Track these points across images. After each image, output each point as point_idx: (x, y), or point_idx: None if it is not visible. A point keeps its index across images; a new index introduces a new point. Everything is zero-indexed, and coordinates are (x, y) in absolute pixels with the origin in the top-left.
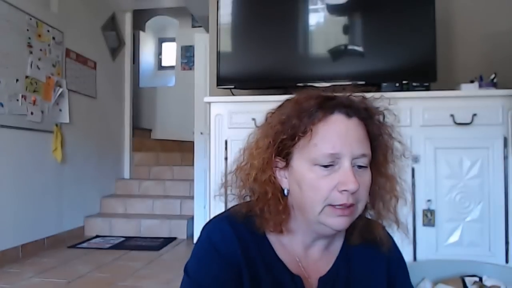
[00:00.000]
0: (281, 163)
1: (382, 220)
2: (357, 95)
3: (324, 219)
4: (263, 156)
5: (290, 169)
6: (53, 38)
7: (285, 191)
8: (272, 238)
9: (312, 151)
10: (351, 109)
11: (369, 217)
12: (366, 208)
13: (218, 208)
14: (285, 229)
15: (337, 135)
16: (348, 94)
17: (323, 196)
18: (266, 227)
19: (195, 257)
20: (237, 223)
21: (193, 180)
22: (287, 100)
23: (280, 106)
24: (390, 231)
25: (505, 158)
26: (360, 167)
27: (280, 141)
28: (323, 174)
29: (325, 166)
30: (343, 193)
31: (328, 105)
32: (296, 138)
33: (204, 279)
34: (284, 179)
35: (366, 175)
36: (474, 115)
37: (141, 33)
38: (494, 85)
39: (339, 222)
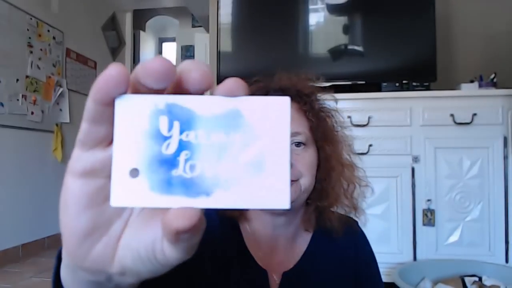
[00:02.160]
0: None
1: (339, 206)
2: (292, 78)
3: None
4: None
5: None
6: (54, 38)
7: None
8: (245, 231)
9: None
10: (282, 92)
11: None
12: (321, 194)
13: None
14: (244, 217)
15: None
16: (283, 77)
17: None
18: (230, 213)
19: None
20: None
21: None
22: None
23: None
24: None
25: (505, 158)
26: (298, 145)
27: None
28: None
29: None
30: None
31: (261, 91)
32: None
33: None
34: None
35: (305, 153)
36: (474, 115)
37: (142, 33)
38: (494, 85)
39: None
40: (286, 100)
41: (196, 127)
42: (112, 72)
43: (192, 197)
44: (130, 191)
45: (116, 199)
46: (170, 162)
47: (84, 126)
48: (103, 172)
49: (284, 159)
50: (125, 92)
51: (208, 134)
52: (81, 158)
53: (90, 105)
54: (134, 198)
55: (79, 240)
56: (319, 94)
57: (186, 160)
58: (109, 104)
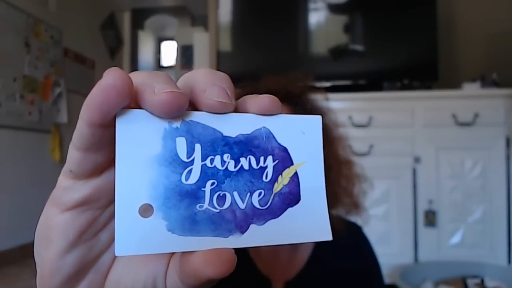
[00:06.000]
0: None
1: (339, 205)
2: (280, 80)
3: None
4: None
5: None
6: (51, 37)
7: None
8: None
9: None
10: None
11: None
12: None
13: None
14: None
15: None
16: (270, 80)
17: None
18: None
19: None
20: None
21: None
22: None
23: None
24: (353, 218)
25: (507, 158)
26: None
27: None
28: None
29: None
30: None
31: (249, 94)
32: None
33: None
34: None
35: None
36: (476, 115)
37: (140, 32)
38: (496, 84)
39: None
40: (317, 119)
41: (222, 150)
42: (110, 81)
43: (223, 236)
44: (142, 235)
45: (123, 248)
46: (193, 194)
47: (75, 155)
48: (98, 203)
49: (320, 185)
50: (128, 106)
51: (237, 159)
52: (71, 189)
53: (84, 129)
54: (148, 244)
55: (62, 281)
56: (310, 94)
57: (213, 191)
58: (110, 125)
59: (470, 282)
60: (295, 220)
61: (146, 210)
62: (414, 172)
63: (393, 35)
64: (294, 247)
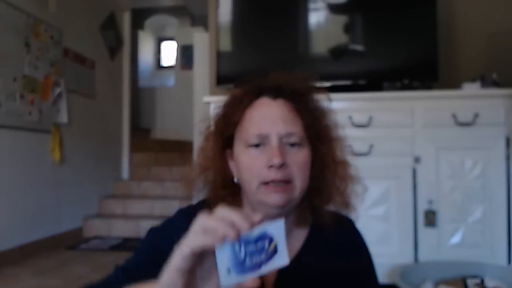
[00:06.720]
0: (231, 153)
1: (331, 203)
2: (287, 77)
3: (261, 197)
4: (210, 148)
5: (235, 157)
6: (51, 37)
7: (235, 179)
8: None
9: (244, 134)
10: (276, 92)
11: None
12: (315, 192)
13: None
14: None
15: (262, 116)
16: (277, 76)
17: (255, 174)
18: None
19: (151, 230)
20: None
21: None
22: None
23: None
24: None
25: (507, 158)
26: (292, 145)
27: (220, 132)
28: (255, 154)
29: (256, 146)
30: (271, 169)
31: (255, 91)
32: (231, 126)
33: (146, 247)
34: (234, 167)
35: (300, 153)
36: (476, 115)
37: (140, 32)
38: (496, 84)
39: (274, 197)
40: (281, 224)
41: (250, 242)
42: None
43: (254, 271)
44: (233, 280)
45: (225, 285)
46: (243, 261)
47: (188, 253)
48: (198, 268)
49: (283, 247)
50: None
51: (256, 244)
52: (186, 260)
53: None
54: (232, 281)
55: None
56: (314, 93)
57: (248, 257)
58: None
59: (470, 282)
60: (276, 259)
61: (229, 270)
62: (414, 172)
63: (393, 35)
64: (287, 237)
